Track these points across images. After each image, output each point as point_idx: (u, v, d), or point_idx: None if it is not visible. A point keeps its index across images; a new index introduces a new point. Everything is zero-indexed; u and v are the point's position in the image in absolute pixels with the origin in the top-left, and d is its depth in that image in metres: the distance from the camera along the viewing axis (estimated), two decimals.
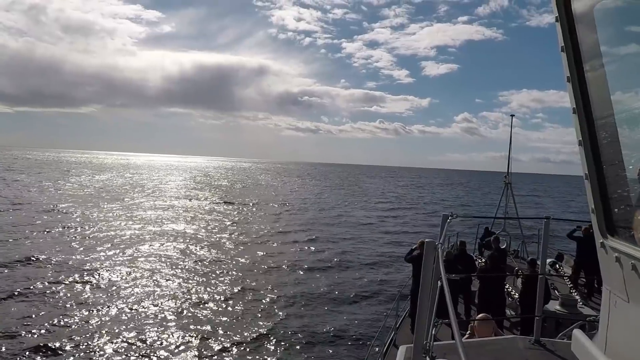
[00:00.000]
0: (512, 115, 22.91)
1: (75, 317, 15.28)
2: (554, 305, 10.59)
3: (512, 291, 12.44)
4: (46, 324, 14.54)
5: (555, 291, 12.63)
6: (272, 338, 14.57)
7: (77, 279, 19.60)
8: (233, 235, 32.97)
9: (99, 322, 14.99)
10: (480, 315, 8.41)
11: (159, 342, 13.79)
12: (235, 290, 19.32)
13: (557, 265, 16.01)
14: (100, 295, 17.80)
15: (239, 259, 25.29)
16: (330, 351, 13.97)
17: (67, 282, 19.00)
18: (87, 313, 15.76)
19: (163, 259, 23.96)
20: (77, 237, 28.66)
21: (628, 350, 2.82)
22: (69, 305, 16.42)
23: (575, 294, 12.56)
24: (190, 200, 59.06)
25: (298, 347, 14.12)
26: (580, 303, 11.35)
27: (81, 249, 25.19)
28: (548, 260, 15.12)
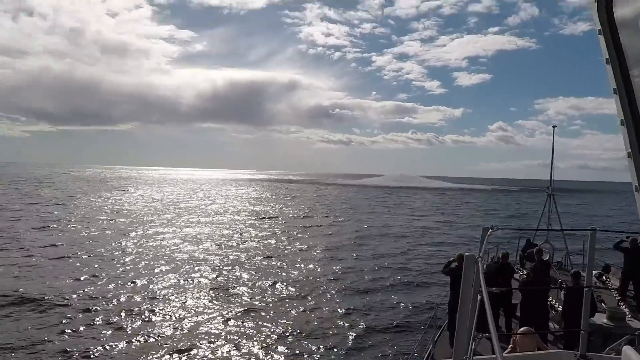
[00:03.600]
0: (554, 127, 22.29)
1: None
2: (600, 319, 10.21)
3: (555, 304, 12.08)
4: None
5: (602, 304, 12.18)
6: (306, 349, 14.60)
7: None
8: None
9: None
10: (522, 329, 8.22)
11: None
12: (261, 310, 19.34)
13: (603, 277, 15.44)
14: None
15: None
16: None
17: None
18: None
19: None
20: None
21: None
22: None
23: (624, 306, 12.08)
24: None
25: None
26: (629, 316, 10.90)
27: None
28: (594, 272, 14.60)
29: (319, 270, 25.82)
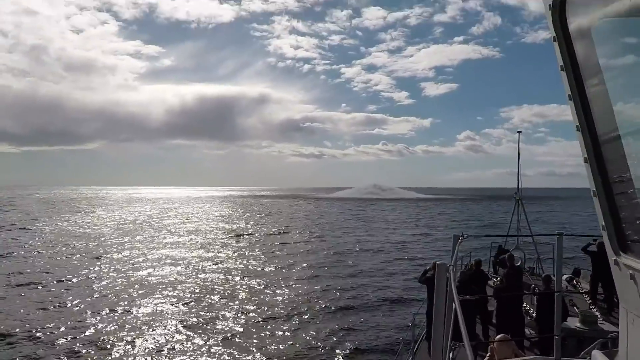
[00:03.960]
0: (519, 132, 22.61)
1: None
2: (573, 323, 10.37)
3: (530, 309, 12.23)
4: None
5: (575, 308, 12.39)
6: None
7: None
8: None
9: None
10: (499, 336, 8.27)
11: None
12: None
13: (574, 281, 15.72)
14: None
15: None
16: None
17: None
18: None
19: None
20: None
21: None
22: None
23: (595, 309, 12.30)
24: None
25: None
26: (601, 319, 11.10)
27: None
28: (564, 276, 14.88)
29: (298, 290, 25.47)
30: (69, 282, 26.71)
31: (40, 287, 25.37)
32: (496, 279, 16.06)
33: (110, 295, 23.53)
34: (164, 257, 36.43)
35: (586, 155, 2.99)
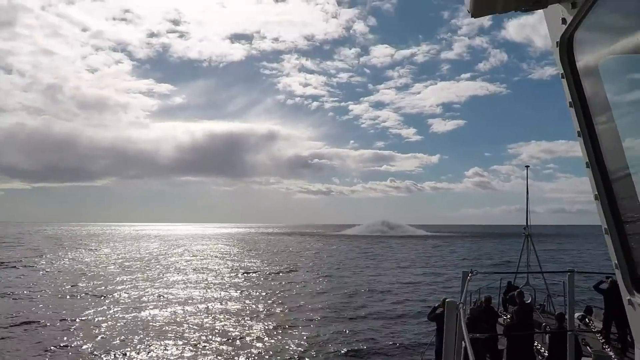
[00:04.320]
0: (527, 167, 22.72)
1: None
2: None
3: (541, 348, 11.96)
4: None
5: (587, 347, 12.11)
6: None
7: None
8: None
9: None
10: None
11: None
12: None
13: (586, 320, 15.40)
14: None
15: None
16: None
17: None
18: None
19: None
20: None
21: None
22: None
23: (609, 349, 12.02)
24: None
25: None
26: (615, 359, 10.83)
27: None
28: (576, 315, 14.57)
29: (306, 333, 24.78)
30: (72, 322, 26.42)
31: (42, 327, 25.10)
32: (506, 316, 15.81)
33: (114, 336, 23.21)
34: (169, 296, 36.10)
35: (596, 192, 2.97)
